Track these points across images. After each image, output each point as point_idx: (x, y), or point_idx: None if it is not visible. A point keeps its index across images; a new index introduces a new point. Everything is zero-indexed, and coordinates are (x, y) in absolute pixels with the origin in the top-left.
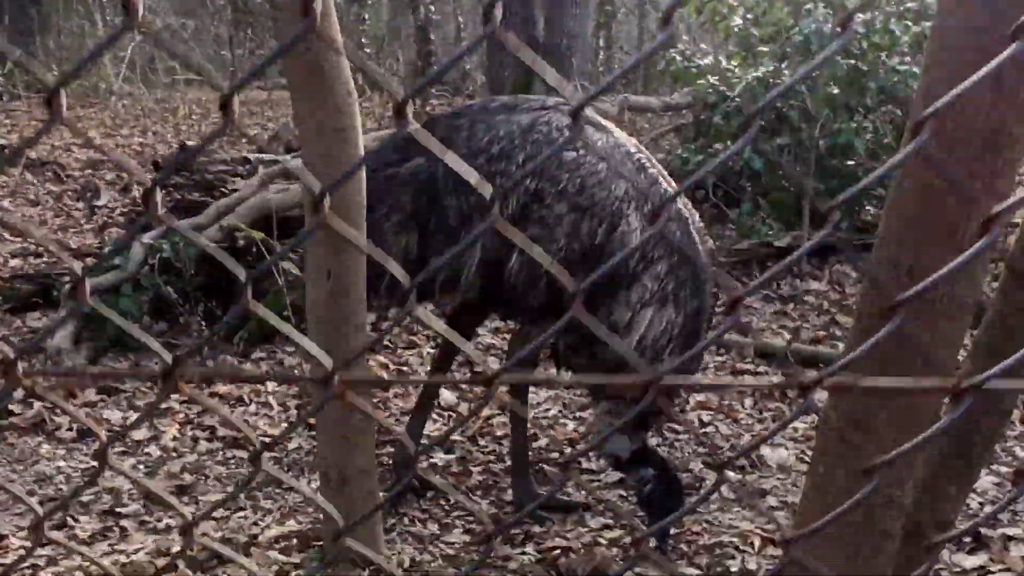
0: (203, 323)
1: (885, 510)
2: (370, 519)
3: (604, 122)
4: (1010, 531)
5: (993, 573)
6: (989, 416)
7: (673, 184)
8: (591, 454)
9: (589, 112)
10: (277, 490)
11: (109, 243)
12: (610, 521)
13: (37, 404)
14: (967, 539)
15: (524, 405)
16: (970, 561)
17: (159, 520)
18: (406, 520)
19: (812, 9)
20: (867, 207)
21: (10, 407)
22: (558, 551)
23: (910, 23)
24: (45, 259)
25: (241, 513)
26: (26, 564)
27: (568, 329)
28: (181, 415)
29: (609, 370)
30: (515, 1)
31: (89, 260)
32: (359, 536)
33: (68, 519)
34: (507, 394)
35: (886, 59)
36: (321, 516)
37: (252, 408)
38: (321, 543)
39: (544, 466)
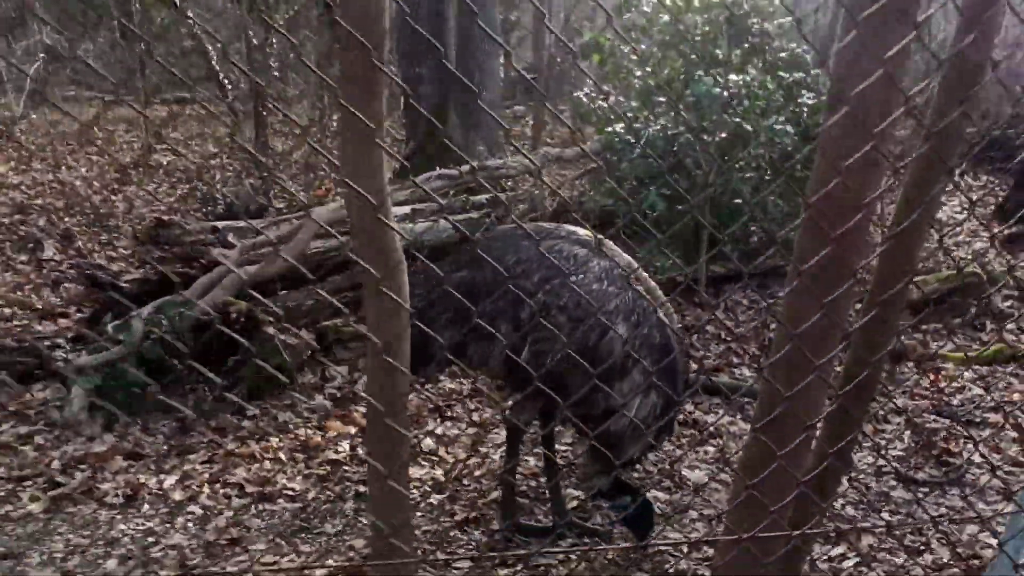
0: (205, 387)
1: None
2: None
3: (605, 246)
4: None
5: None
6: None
7: (660, 298)
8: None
9: (585, 235)
10: (309, 535)
11: (64, 299)
12: (577, 540)
13: (79, 474)
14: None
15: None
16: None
17: (222, 569)
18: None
19: (702, 75)
20: (752, 239)
21: (56, 478)
22: (542, 567)
23: (783, 73)
24: (15, 323)
25: (287, 558)
26: None
27: (576, 402)
28: (206, 475)
29: (597, 421)
30: (430, 30)
31: (62, 321)
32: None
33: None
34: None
35: (764, 119)
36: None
37: (266, 464)
38: None
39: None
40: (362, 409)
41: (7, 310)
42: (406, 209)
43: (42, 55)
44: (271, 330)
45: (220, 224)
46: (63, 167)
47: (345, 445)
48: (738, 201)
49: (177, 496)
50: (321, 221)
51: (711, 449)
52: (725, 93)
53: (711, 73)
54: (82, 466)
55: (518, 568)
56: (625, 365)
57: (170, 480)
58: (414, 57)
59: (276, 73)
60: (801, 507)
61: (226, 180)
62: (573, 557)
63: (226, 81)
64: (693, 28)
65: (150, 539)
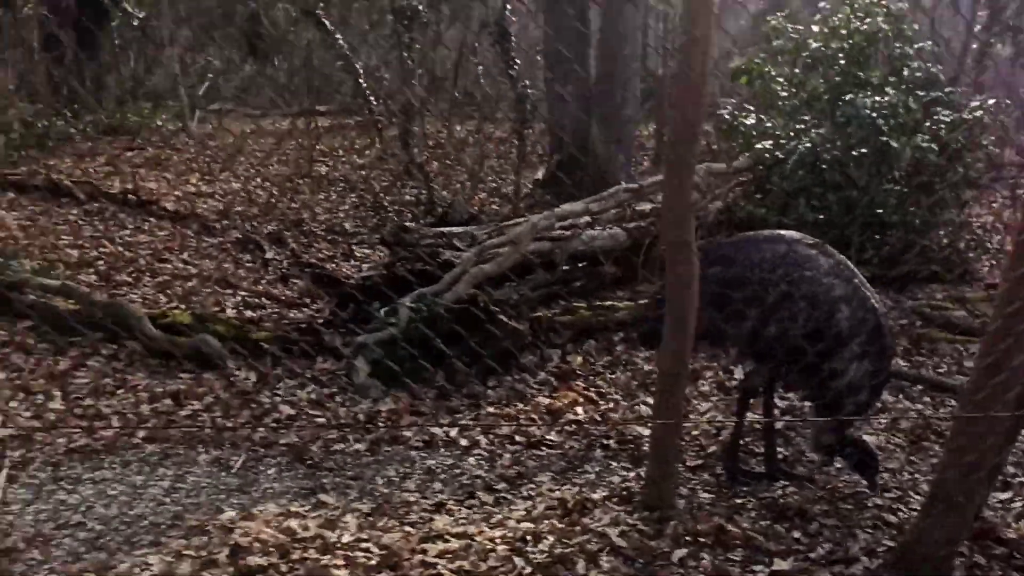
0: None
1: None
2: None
3: (828, 248)
4: None
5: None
6: None
7: (870, 289)
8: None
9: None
10: (574, 473)
11: (297, 292)
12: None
13: (381, 425)
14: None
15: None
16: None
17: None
18: None
19: (851, 97)
20: (885, 247)
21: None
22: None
23: (920, 92)
24: (269, 311)
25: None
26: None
27: (806, 368)
28: (476, 428)
29: (822, 385)
30: (574, 49)
31: (305, 310)
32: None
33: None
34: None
35: (906, 136)
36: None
37: (521, 421)
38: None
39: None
40: (581, 384)
41: (255, 300)
42: (586, 217)
43: (210, 75)
44: (502, 317)
45: (445, 230)
46: (240, 177)
47: (579, 410)
48: (880, 211)
49: (463, 443)
50: (530, 230)
51: (884, 420)
52: (873, 113)
53: (859, 95)
54: (380, 419)
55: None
56: (846, 339)
57: (452, 431)
58: (559, 75)
59: (420, 90)
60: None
61: (391, 190)
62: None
63: (372, 97)
64: (838, 52)
65: (456, 470)
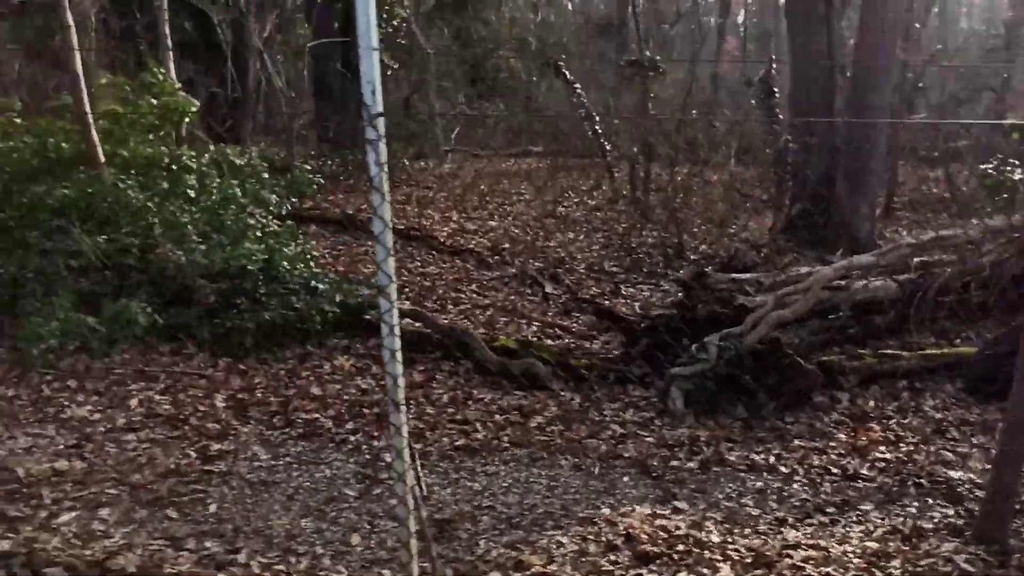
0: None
1: None
2: None
3: None
4: None
5: None
6: None
7: None
8: None
9: None
10: (887, 506)
11: (584, 325)
12: None
13: (706, 448)
14: None
15: None
16: None
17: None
18: None
19: None
20: None
21: (704, 450)
22: None
23: None
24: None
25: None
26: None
27: None
28: (792, 458)
29: None
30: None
31: (594, 344)
32: None
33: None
34: None
35: None
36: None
37: (831, 456)
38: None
39: None
40: (877, 427)
41: (550, 331)
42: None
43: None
44: (799, 360)
45: (735, 276)
46: (495, 215)
47: (882, 449)
48: None
49: (783, 469)
50: (822, 279)
51: None
52: None
53: None
54: (701, 443)
55: None
56: None
57: (771, 459)
58: (806, 127)
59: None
60: None
61: (632, 232)
62: None
63: (606, 143)
64: None
65: (784, 493)
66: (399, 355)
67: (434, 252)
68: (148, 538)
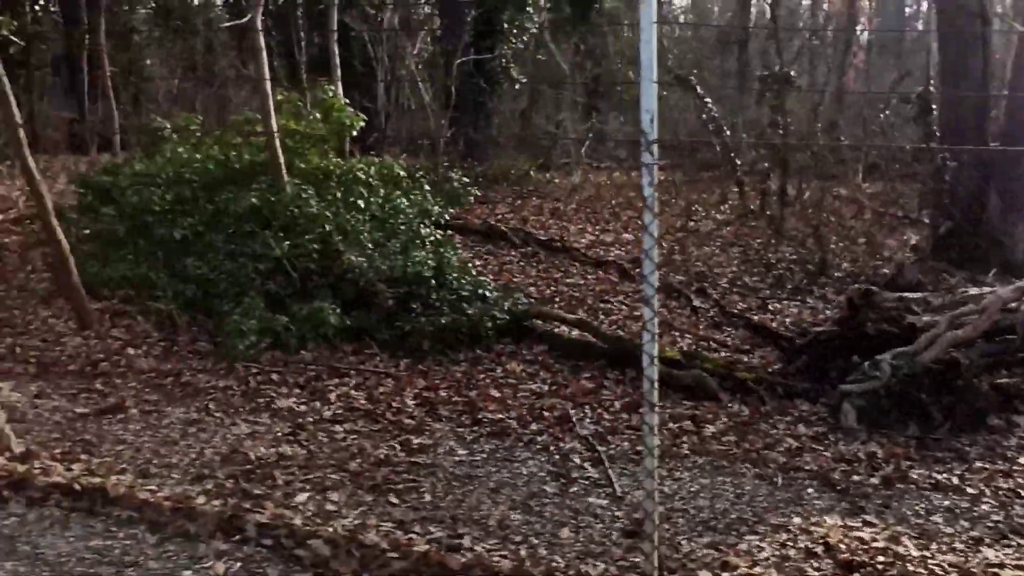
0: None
1: None
2: None
3: None
4: None
5: None
6: None
7: None
8: None
9: None
10: None
11: (736, 339)
12: None
13: (887, 466)
14: None
15: None
16: None
17: None
18: None
19: None
20: None
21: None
22: None
23: None
24: (719, 352)
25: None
26: None
27: None
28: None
29: None
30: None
31: (750, 358)
32: None
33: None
34: None
35: None
36: None
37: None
38: None
39: None
40: None
41: (704, 344)
42: None
43: (591, 135)
44: (975, 380)
45: (903, 295)
46: (628, 228)
47: None
48: None
49: (970, 490)
50: (998, 301)
51: None
52: None
53: None
54: (877, 459)
55: None
56: None
57: (952, 478)
58: (955, 141)
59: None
60: None
61: (769, 247)
62: None
63: (736, 157)
64: None
65: (973, 513)
66: (655, 367)
67: (577, 263)
68: (378, 520)
